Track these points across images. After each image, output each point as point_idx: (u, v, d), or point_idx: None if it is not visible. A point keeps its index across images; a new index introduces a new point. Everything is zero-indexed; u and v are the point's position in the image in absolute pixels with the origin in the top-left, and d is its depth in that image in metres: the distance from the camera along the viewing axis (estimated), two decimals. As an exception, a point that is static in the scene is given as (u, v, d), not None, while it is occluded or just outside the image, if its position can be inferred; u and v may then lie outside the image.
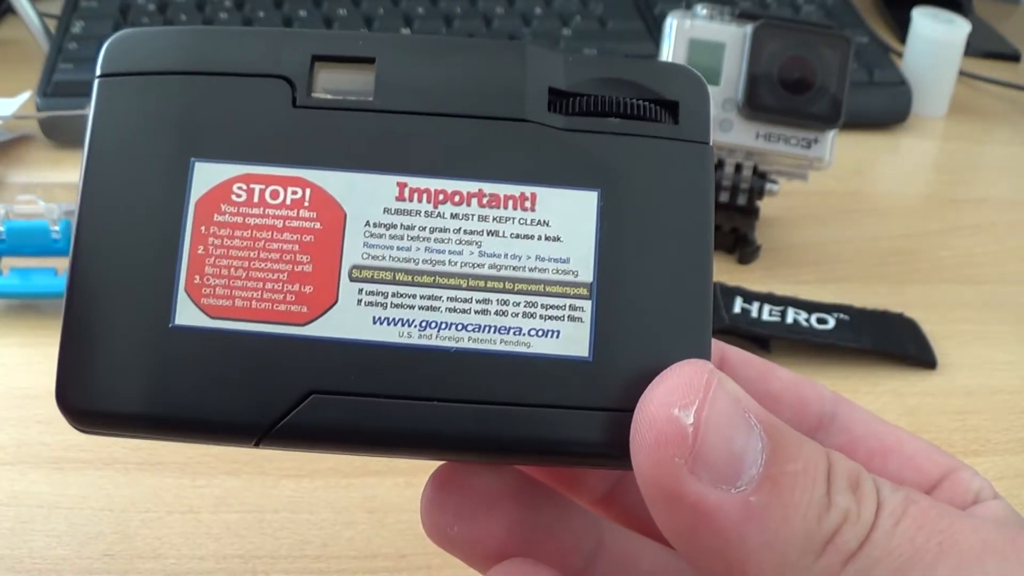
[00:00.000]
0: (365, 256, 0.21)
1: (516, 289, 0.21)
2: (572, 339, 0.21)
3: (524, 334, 0.21)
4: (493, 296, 0.21)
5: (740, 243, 0.52)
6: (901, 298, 0.49)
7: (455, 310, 0.21)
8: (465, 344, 0.21)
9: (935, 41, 0.67)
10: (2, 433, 0.38)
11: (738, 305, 0.46)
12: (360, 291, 0.21)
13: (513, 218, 0.21)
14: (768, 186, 0.51)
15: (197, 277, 0.21)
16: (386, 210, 0.21)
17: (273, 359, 0.20)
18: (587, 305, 0.21)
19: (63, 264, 0.44)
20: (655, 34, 0.68)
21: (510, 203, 0.21)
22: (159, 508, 0.35)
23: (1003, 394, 0.44)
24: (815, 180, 0.51)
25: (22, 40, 0.67)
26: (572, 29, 0.69)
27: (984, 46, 0.79)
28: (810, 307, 0.47)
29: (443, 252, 0.21)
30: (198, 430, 0.21)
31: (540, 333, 0.21)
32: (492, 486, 0.24)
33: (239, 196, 0.21)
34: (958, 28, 0.67)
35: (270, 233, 0.21)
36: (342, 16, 0.68)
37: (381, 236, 0.21)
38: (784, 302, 0.47)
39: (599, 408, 0.21)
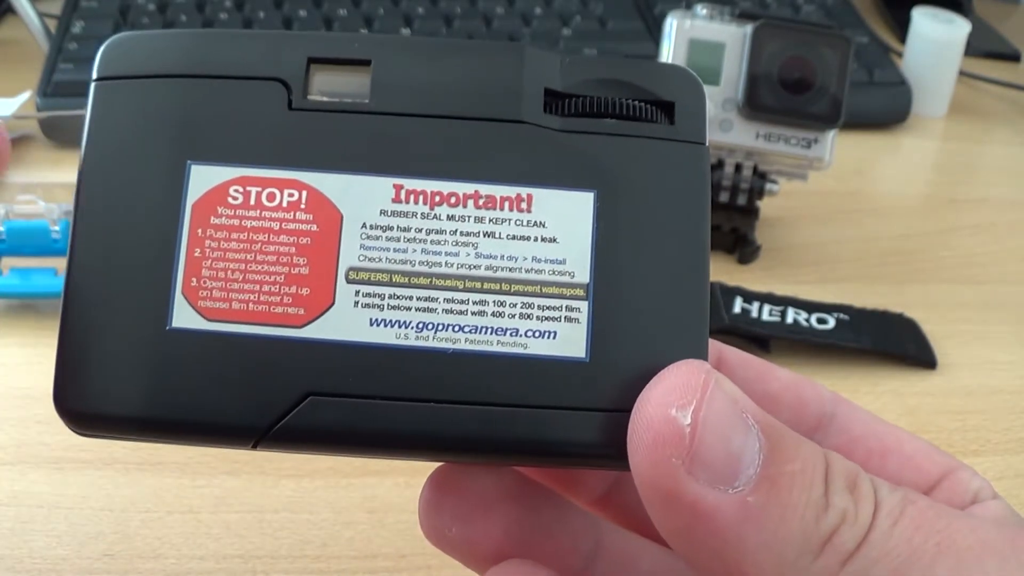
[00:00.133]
0: (362, 258, 0.21)
1: (513, 290, 0.21)
2: (569, 340, 0.21)
3: (521, 335, 0.21)
4: (490, 297, 0.21)
5: (740, 243, 0.52)
6: (901, 298, 0.49)
7: (452, 311, 0.21)
8: (462, 345, 0.21)
9: (935, 41, 0.67)
10: (2, 433, 0.38)
11: (738, 305, 0.46)
12: (357, 293, 0.21)
13: (509, 219, 0.21)
14: (768, 186, 0.51)
15: (194, 280, 0.21)
16: (382, 212, 0.21)
17: (270, 361, 0.20)
18: (583, 306, 0.21)
19: (63, 264, 0.44)
20: (655, 34, 0.68)
21: (506, 204, 0.21)
22: (159, 508, 0.35)
23: (1003, 394, 0.44)
24: (815, 180, 0.51)
25: (22, 40, 0.67)
26: (572, 29, 0.69)
27: (984, 46, 0.78)
28: (810, 307, 0.47)
29: (439, 254, 0.21)
30: (196, 433, 0.21)
31: (537, 334, 0.21)
32: (490, 487, 0.24)
33: (236, 199, 0.21)
34: (958, 28, 0.67)
35: (267, 235, 0.21)
36: (342, 16, 0.68)
37: (378, 238, 0.21)
38: (784, 302, 0.47)
39: (596, 409, 0.21)
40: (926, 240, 0.56)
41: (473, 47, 0.23)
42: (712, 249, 0.22)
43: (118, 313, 0.21)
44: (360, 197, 0.21)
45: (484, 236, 0.21)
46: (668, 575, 0.26)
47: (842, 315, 0.46)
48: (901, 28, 0.74)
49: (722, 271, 0.51)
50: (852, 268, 0.53)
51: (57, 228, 0.44)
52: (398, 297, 0.21)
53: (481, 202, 0.21)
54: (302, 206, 0.21)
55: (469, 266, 0.21)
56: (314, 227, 0.21)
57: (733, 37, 0.48)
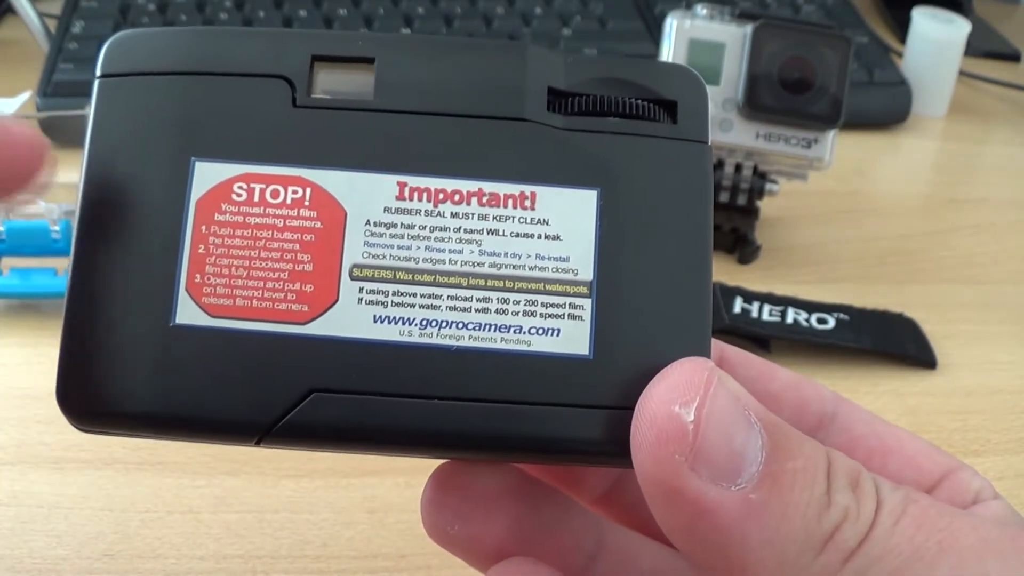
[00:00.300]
0: (366, 255, 0.21)
1: (516, 288, 0.21)
2: (572, 337, 0.21)
3: (524, 332, 0.21)
4: (493, 295, 0.21)
5: (740, 243, 0.52)
6: (901, 298, 0.49)
7: (455, 309, 0.21)
8: (465, 342, 0.21)
9: (935, 41, 0.67)
10: (2, 433, 0.38)
11: (738, 305, 0.46)
12: (361, 290, 0.21)
13: (513, 217, 0.21)
14: (768, 186, 0.51)
15: (198, 276, 0.21)
16: (386, 209, 0.21)
17: (274, 358, 0.20)
18: (587, 303, 0.21)
19: (63, 264, 0.44)
20: (655, 34, 0.68)
21: (510, 202, 0.21)
22: (159, 508, 0.35)
23: (1003, 394, 0.44)
24: (815, 180, 0.51)
25: (22, 40, 0.67)
26: (572, 29, 0.69)
27: (984, 46, 0.79)
28: (810, 307, 0.47)
29: (443, 251, 0.21)
30: (199, 429, 0.21)
31: (540, 331, 0.21)
32: (492, 485, 0.24)
33: (240, 195, 0.21)
34: (958, 28, 0.67)
35: (271, 232, 0.21)
36: (342, 16, 0.68)
37: (381, 235, 0.21)
38: (784, 302, 0.47)
39: (599, 406, 0.21)
40: (926, 240, 0.56)
41: (476, 46, 0.23)
42: (712, 249, 0.22)
43: (122, 309, 0.21)
44: (364, 194, 0.21)
45: (488, 233, 0.21)
46: (669, 573, 0.26)
47: (842, 315, 0.46)
48: (901, 28, 0.74)
49: (722, 271, 0.51)
50: (852, 268, 0.53)
51: (57, 228, 0.44)
52: (402, 294, 0.21)
53: (485, 200, 0.21)
54: (306, 203, 0.21)
55: (473, 263, 0.21)
56: (318, 224, 0.21)
57: (733, 37, 0.48)
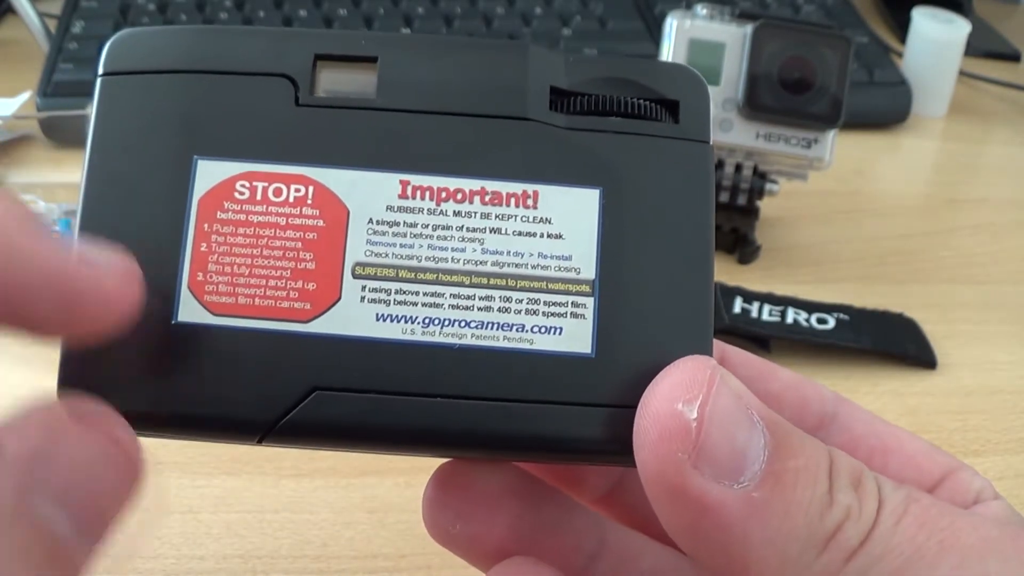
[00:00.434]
0: (368, 253, 0.21)
1: (519, 286, 0.21)
2: (574, 336, 0.21)
3: (527, 331, 0.21)
4: (496, 293, 0.21)
5: (740, 243, 0.52)
6: (901, 298, 0.49)
7: (458, 307, 0.21)
8: (468, 341, 0.21)
9: (935, 41, 0.67)
10: (3, 432, 0.38)
11: (738, 305, 0.46)
12: (363, 288, 0.21)
13: (515, 216, 0.21)
14: (768, 186, 0.51)
15: (200, 274, 0.21)
16: (389, 208, 0.21)
17: (276, 356, 0.20)
18: (589, 302, 0.21)
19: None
20: (655, 34, 0.68)
21: (512, 201, 0.21)
22: (160, 508, 0.35)
23: (1003, 394, 0.44)
24: (815, 180, 0.51)
25: (22, 40, 0.67)
26: (572, 29, 0.69)
27: (984, 46, 0.79)
28: (810, 307, 0.47)
29: (446, 249, 0.21)
30: (201, 427, 0.21)
31: (543, 330, 0.21)
32: (494, 485, 0.24)
33: (242, 194, 0.21)
34: (958, 28, 0.67)
35: (273, 230, 0.21)
36: (342, 16, 0.68)
37: (384, 233, 0.21)
38: (784, 302, 0.47)
39: (602, 404, 0.21)
40: (926, 240, 0.56)
41: (479, 45, 0.23)
42: (713, 248, 0.22)
43: None
44: (367, 193, 0.21)
45: (490, 232, 0.21)
46: (671, 573, 0.26)
47: (842, 315, 0.46)
48: (901, 28, 0.74)
49: (722, 271, 0.51)
50: (852, 268, 0.53)
51: (57, 228, 0.44)
52: (404, 292, 0.21)
53: (487, 198, 0.21)
54: (308, 201, 0.21)
55: (475, 262, 0.21)
56: (320, 222, 0.21)
57: (733, 37, 0.48)
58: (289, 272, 0.21)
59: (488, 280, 0.21)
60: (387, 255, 0.21)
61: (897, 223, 0.57)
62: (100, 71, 0.22)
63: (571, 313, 0.21)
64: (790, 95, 0.48)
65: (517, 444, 0.21)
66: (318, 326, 0.21)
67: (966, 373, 0.45)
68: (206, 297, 0.21)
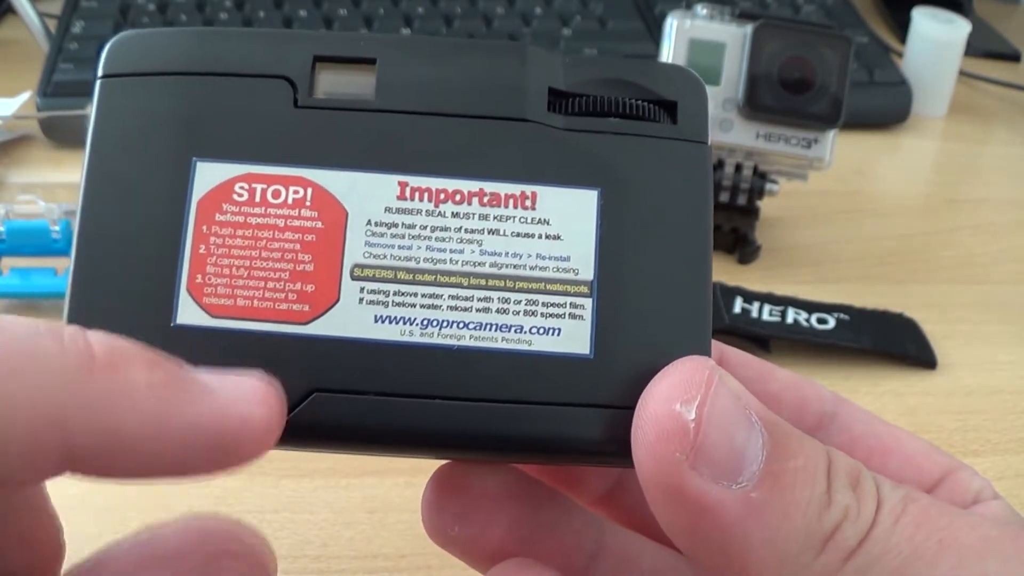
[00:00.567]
0: (367, 255, 0.21)
1: (517, 287, 0.21)
2: (573, 337, 0.21)
3: (525, 332, 0.21)
4: (494, 294, 0.21)
5: (740, 243, 0.52)
6: (901, 298, 0.49)
7: (456, 308, 0.21)
8: (466, 342, 0.21)
9: (935, 41, 0.67)
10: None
11: (738, 305, 0.46)
12: (362, 290, 0.21)
13: (514, 217, 0.21)
14: (768, 186, 0.51)
15: (199, 276, 0.21)
16: (387, 209, 0.21)
17: (275, 358, 0.20)
18: (588, 303, 0.21)
19: (63, 264, 0.44)
20: (655, 34, 0.68)
21: (511, 202, 0.21)
22: (159, 508, 0.35)
23: (1003, 394, 0.44)
24: (815, 180, 0.51)
25: (22, 40, 0.67)
26: (572, 29, 0.69)
27: (984, 46, 0.79)
28: (810, 307, 0.47)
29: (444, 251, 0.21)
30: None
31: (541, 331, 0.21)
32: (492, 486, 0.24)
33: (241, 196, 0.21)
34: (958, 28, 0.67)
35: (272, 232, 0.21)
36: (342, 16, 0.68)
37: (382, 235, 0.21)
38: (784, 302, 0.47)
39: (600, 405, 0.21)
40: (926, 240, 0.56)
41: (477, 46, 0.23)
42: (712, 249, 0.22)
43: (122, 309, 0.21)
44: (365, 194, 0.21)
45: (488, 233, 0.21)
46: (670, 574, 0.26)
47: (842, 315, 0.46)
48: (901, 28, 0.74)
49: (722, 271, 0.51)
50: (852, 268, 0.53)
51: (57, 228, 0.44)
52: (403, 294, 0.21)
53: (486, 199, 0.21)
54: (307, 203, 0.21)
55: (474, 263, 0.21)
56: (319, 224, 0.21)
57: (733, 37, 0.48)
58: (288, 274, 0.21)
59: (486, 281, 0.21)
60: (385, 256, 0.21)
61: (897, 223, 0.57)
62: (99, 73, 0.22)
63: (569, 314, 0.21)
64: (790, 95, 0.48)
65: (515, 445, 0.21)
66: (317, 328, 0.21)
67: (966, 373, 0.45)
68: (205, 299, 0.21)
